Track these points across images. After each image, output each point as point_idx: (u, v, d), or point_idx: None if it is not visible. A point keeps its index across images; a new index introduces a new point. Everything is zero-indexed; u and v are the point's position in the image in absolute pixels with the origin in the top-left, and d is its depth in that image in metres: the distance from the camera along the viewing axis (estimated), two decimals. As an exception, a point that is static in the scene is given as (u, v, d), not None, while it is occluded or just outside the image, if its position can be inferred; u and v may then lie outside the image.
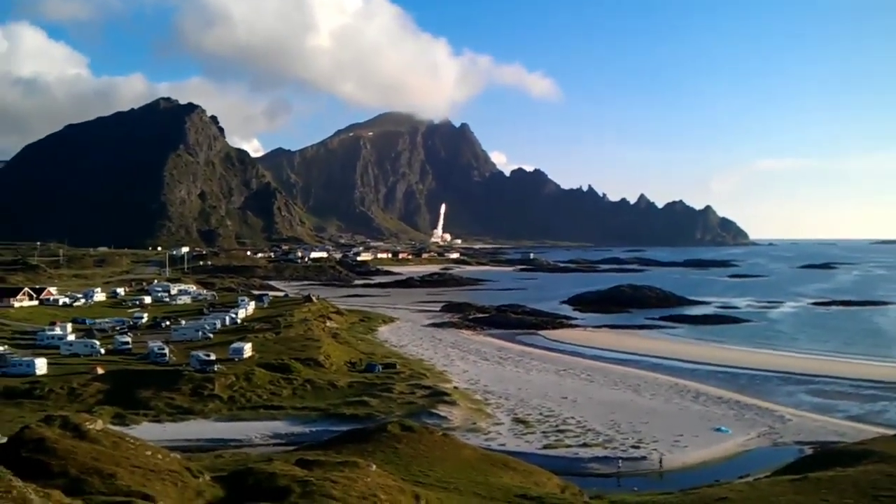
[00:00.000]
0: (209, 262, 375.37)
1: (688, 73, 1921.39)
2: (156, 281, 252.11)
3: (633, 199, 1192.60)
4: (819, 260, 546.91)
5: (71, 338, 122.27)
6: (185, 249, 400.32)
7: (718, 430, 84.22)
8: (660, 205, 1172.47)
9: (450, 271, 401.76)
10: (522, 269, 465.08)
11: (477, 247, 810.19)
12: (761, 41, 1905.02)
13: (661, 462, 72.64)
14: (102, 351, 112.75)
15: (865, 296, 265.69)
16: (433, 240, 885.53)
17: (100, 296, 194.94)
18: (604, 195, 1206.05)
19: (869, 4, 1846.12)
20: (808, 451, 74.06)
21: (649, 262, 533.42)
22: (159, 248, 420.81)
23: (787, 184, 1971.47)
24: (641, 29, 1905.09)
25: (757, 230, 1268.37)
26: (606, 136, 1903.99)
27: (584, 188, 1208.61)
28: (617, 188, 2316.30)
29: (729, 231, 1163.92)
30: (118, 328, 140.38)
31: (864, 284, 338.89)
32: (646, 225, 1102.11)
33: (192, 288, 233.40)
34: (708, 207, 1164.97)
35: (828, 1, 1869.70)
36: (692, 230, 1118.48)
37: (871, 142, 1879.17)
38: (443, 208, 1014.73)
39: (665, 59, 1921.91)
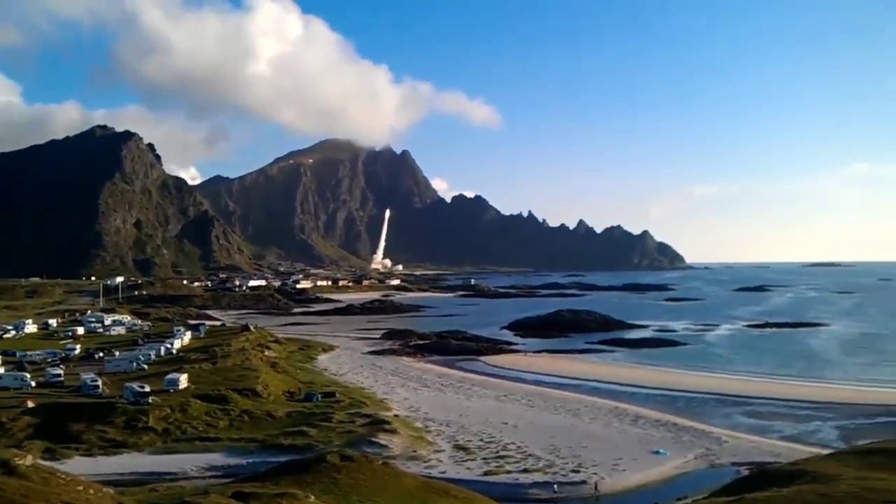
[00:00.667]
0: (144, 292, 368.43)
1: (624, 101, 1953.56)
2: (89, 311, 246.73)
3: (572, 225, 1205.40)
4: (753, 283, 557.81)
5: (0, 370, 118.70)
6: (119, 279, 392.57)
7: (656, 452, 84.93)
8: (598, 230, 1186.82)
9: (391, 298, 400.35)
10: (463, 295, 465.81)
11: (418, 273, 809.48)
12: (695, 71, 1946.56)
13: (597, 486, 72.88)
14: (33, 384, 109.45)
15: (798, 318, 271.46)
16: (373, 266, 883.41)
17: (31, 327, 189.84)
18: (543, 221, 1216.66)
19: (801, 35, 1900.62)
20: (745, 471, 74.84)
21: (588, 286, 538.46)
22: (93, 278, 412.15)
23: (721, 208, 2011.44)
24: (579, 58, 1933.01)
25: (693, 254, 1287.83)
26: (546, 162, 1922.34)
27: (525, 214, 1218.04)
28: (556, 214, 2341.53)
29: (666, 255, 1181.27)
30: (50, 360, 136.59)
31: (797, 307, 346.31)
32: (585, 250, 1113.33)
33: (127, 318, 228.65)
34: (645, 232, 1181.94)
35: (753, 32, 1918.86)
36: (630, 255, 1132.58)
37: (800, 166, 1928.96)
38: (387, 213, 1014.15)
39: (602, 87, 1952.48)
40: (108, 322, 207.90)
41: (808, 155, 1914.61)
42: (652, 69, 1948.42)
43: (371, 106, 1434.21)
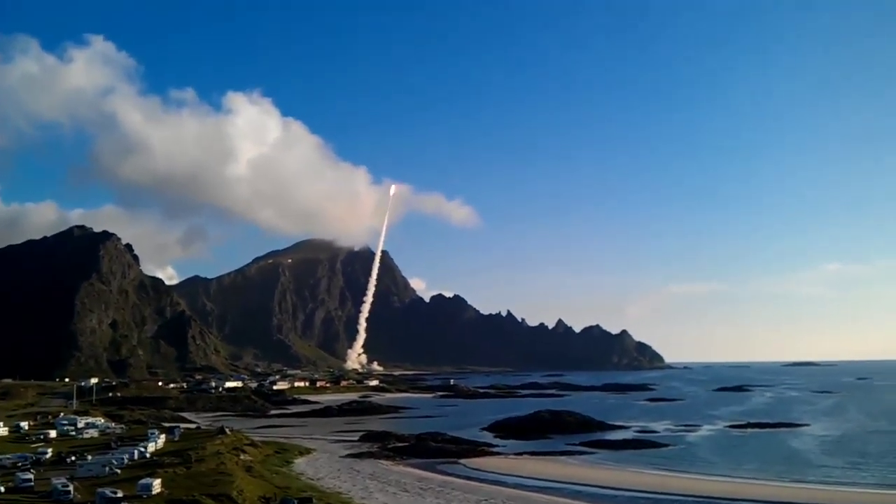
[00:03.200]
0: (119, 394, 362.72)
1: (600, 201, 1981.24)
2: (62, 414, 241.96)
3: (551, 324, 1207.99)
4: (733, 383, 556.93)
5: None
6: (94, 380, 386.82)
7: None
8: (577, 329, 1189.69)
9: (369, 399, 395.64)
10: (443, 396, 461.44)
11: (397, 373, 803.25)
12: (666, 172, 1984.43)
13: None
14: (2, 489, 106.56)
15: (780, 418, 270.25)
16: (350, 363, 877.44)
17: (2, 430, 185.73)
18: (522, 320, 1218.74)
19: (771, 142, 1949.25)
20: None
21: (568, 386, 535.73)
22: (67, 380, 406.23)
23: (699, 308, 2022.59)
24: (557, 161, 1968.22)
25: (672, 353, 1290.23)
26: (525, 261, 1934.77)
27: (504, 313, 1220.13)
28: (535, 313, 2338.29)
29: (645, 355, 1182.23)
30: (20, 464, 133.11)
31: (777, 406, 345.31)
32: (564, 349, 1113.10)
33: (101, 421, 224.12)
34: (624, 331, 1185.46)
35: (720, 145, 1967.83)
36: (609, 354, 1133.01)
37: (775, 266, 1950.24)
38: (365, 307, 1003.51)
39: (579, 189, 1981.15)
40: (81, 424, 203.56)
41: (782, 255, 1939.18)
42: (624, 178, 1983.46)
43: (350, 207, 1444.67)
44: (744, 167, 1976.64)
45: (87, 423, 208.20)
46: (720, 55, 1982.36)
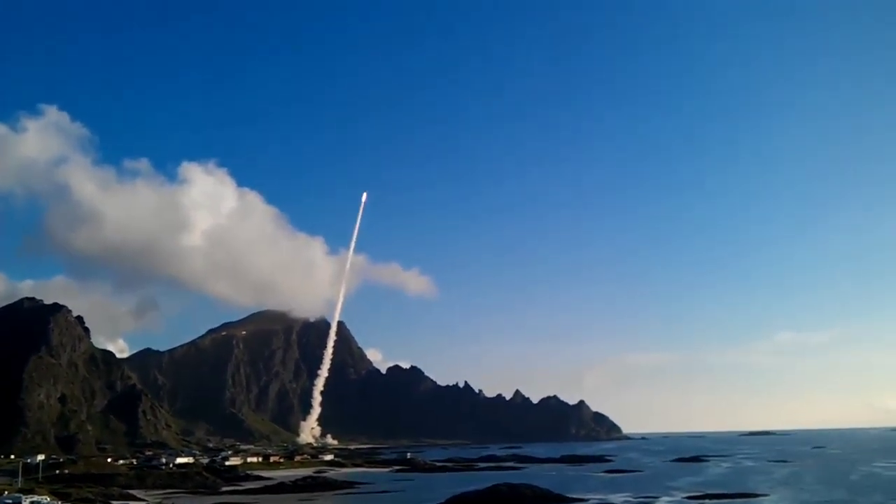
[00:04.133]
0: (67, 471, 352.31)
1: (556, 273, 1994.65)
2: (6, 492, 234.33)
3: (508, 395, 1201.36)
4: (690, 453, 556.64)
5: None
6: (40, 457, 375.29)
7: None
8: (535, 400, 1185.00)
9: (324, 474, 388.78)
10: (399, 470, 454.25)
11: (352, 447, 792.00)
12: (619, 247, 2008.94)
13: None
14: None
15: (737, 488, 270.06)
16: (304, 436, 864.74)
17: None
18: (480, 391, 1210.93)
19: (729, 216, 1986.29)
20: None
21: (527, 458, 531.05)
22: (13, 456, 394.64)
23: (654, 378, 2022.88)
24: (513, 231, 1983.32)
25: (630, 424, 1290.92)
26: (481, 332, 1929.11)
27: (461, 384, 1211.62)
28: (493, 384, 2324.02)
29: (602, 425, 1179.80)
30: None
31: (734, 476, 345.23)
32: (522, 420, 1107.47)
33: (46, 499, 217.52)
34: (581, 402, 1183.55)
35: (679, 220, 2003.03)
36: (567, 425, 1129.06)
37: (729, 336, 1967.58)
38: (320, 381, 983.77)
39: (535, 260, 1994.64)
40: (25, 503, 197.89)
41: (736, 325, 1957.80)
42: (582, 255, 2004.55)
43: (306, 277, 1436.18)
44: (696, 240, 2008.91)
45: (31, 502, 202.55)
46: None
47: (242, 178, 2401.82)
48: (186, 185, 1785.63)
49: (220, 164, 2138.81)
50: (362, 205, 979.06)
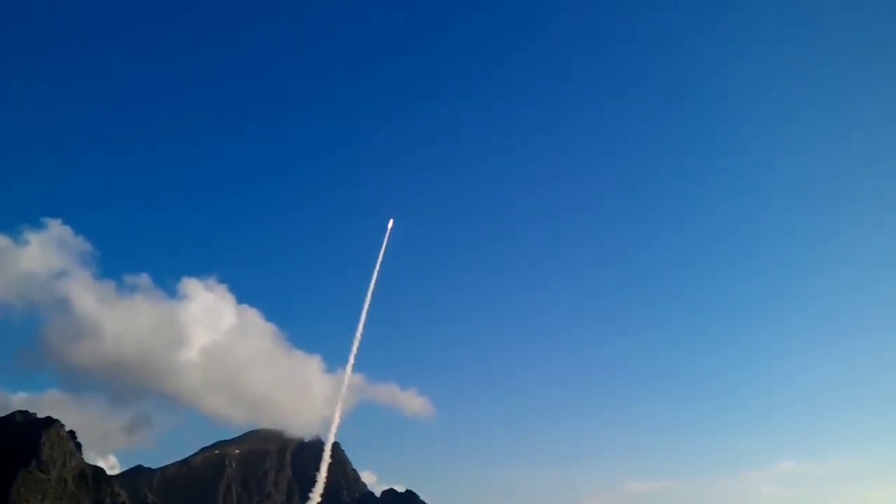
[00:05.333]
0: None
1: (556, 399, 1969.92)
2: None
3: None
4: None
5: None
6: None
7: None
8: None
9: None
10: None
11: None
12: (620, 366, 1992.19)
13: None
14: None
15: None
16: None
17: None
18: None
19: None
20: None
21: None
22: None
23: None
24: (513, 354, 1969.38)
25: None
26: (479, 455, 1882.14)
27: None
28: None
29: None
30: None
31: None
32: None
33: None
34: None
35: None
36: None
37: (730, 464, 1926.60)
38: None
39: (535, 385, 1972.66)
40: None
41: (736, 454, 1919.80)
42: (577, 366, 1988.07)
43: (302, 396, 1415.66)
44: (697, 365, 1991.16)
45: None
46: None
47: (242, 295, 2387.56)
48: (186, 301, 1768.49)
49: (221, 280, 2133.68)
50: (388, 232, 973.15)
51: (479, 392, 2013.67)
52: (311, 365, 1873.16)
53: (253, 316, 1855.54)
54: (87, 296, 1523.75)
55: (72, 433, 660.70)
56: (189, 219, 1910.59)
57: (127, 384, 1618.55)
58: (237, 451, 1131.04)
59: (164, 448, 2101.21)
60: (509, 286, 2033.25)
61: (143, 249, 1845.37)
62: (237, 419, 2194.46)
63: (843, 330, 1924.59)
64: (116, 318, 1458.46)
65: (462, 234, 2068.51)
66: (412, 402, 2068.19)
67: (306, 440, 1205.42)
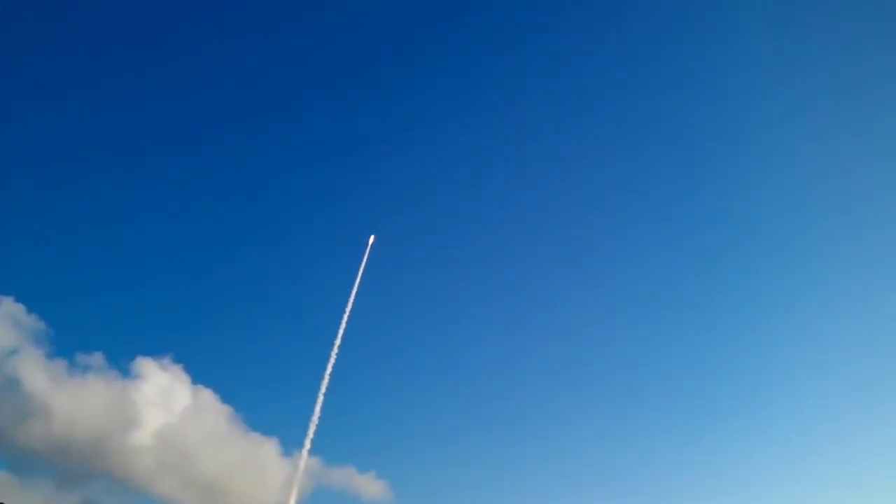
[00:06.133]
0: None
1: (526, 488, 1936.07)
2: None
3: None
4: None
5: None
6: None
7: None
8: None
9: None
10: None
11: None
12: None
13: None
14: None
15: None
16: None
17: None
18: None
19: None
20: None
21: None
22: None
23: None
24: (476, 438, 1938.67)
25: None
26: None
27: None
28: None
29: None
30: None
31: None
32: None
33: None
34: None
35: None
36: None
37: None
38: None
39: (500, 470, 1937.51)
40: None
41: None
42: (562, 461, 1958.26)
43: (257, 480, 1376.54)
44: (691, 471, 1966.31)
45: None
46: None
47: (198, 376, 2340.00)
48: (140, 381, 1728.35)
49: (176, 360, 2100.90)
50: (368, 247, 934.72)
51: (440, 475, 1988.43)
52: (268, 448, 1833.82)
53: (208, 397, 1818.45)
54: (37, 375, 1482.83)
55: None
56: (145, 297, 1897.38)
57: (76, 467, 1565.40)
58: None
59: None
60: (467, 373, 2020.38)
61: (98, 328, 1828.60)
62: (189, 503, 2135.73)
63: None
64: (67, 399, 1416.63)
65: (417, 325, 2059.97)
66: (370, 485, 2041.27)
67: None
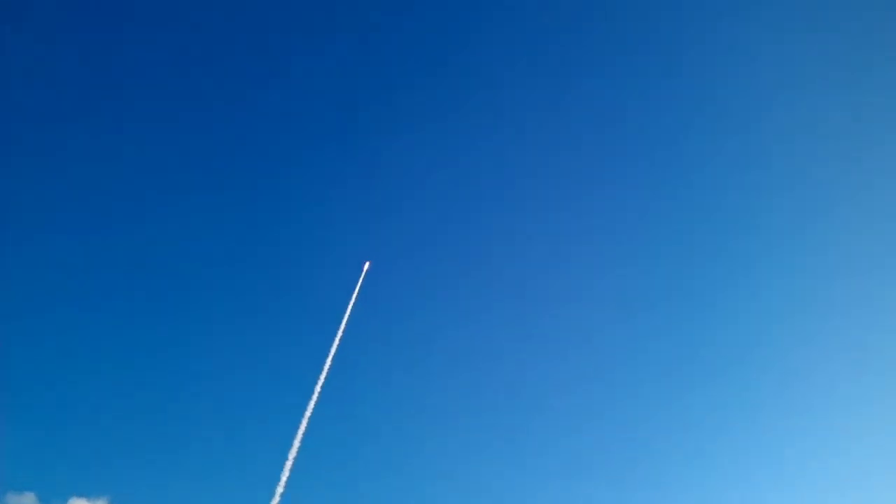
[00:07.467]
0: None
1: None
2: None
3: None
4: None
5: None
6: None
7: None
8: None
9: None
10: None
11: None
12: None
13: None
14: None
15: None
16: None
17: None
18: None
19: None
20: None
21: None
22: None
23: None
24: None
25: None
26: None
27: None
28: None
29: None
30: None
31: None
32: None
33: None
34: None
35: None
36: None
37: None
38: None
39: None
40: None
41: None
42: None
43: None
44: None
45: None
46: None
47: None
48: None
49: (112, 502, 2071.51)
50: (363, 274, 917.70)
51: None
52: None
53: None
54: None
55: None
56: (79, 434, 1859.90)
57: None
58: None
59: None
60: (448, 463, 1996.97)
61: (30, 467, 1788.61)
62: None
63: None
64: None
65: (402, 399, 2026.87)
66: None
67: None
